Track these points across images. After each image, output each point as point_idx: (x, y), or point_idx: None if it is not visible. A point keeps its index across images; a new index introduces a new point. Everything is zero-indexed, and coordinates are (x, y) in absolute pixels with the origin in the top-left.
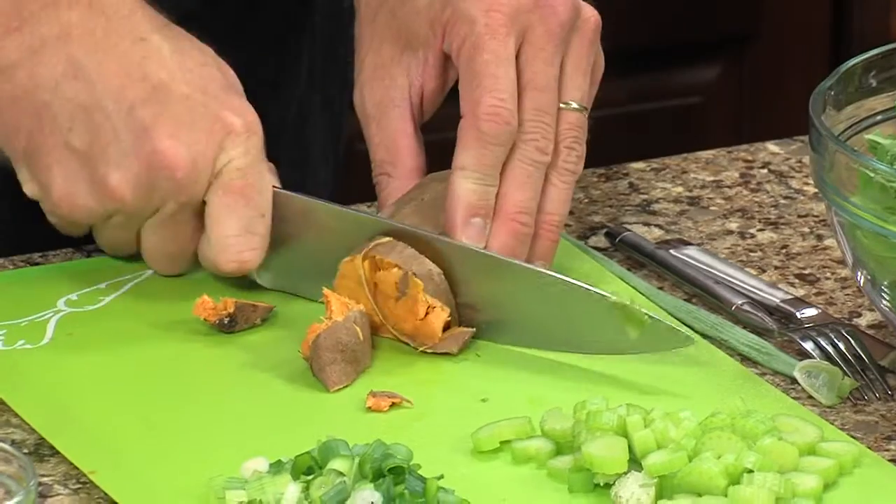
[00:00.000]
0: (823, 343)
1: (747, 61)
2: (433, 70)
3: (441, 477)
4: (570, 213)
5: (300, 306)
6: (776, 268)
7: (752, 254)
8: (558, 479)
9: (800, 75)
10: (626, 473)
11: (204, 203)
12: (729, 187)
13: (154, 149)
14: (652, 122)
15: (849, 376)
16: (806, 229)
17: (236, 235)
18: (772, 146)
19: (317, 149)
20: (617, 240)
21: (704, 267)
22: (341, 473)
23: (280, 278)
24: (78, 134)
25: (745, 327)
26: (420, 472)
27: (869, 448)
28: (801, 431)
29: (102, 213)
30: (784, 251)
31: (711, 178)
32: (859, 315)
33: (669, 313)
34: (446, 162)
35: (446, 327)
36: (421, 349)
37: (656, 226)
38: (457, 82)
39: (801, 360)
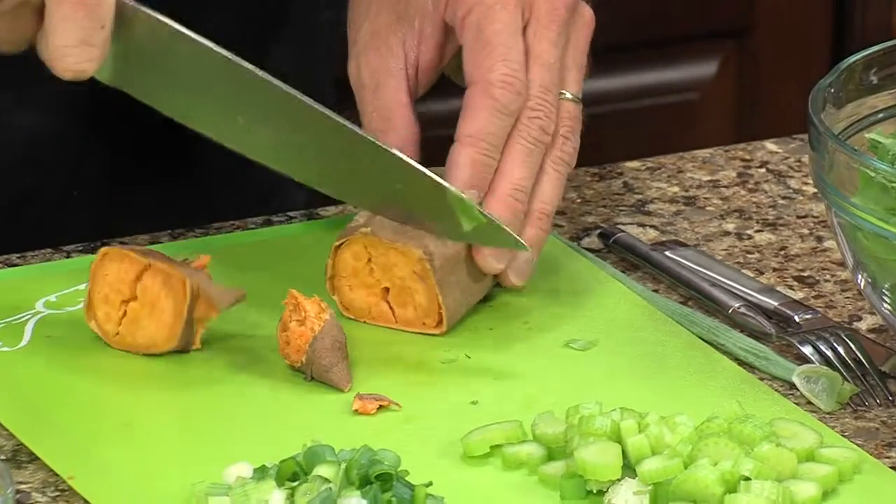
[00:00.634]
0: (823, 347)
1: (745, 57)
2: (430, 41)
3: (430, 484)
4: (563, 213)
5: (253, 308)
6: (774, 270)
7: (749, 255)
8: (550, 486)
9: (799, 72)
10: (619, 480)
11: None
12: (726, 187)
13: None
14: (646, 120)
15: (849, 381)
16: (805, 230)
17: (73, 46)
18: (770, 145)
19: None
20: (611, 241)
21: (701, 269)
22: (327, 480)
23: (122, 79)
24: None
25: (742, 331)
26: (408, 478)
27: (869, 455)
28: (800, 437)
29: None
30: (782, 253)
31: (708, 178)
32: (860, 319)
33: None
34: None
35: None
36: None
37: (651, 227)
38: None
39: (800, 364)
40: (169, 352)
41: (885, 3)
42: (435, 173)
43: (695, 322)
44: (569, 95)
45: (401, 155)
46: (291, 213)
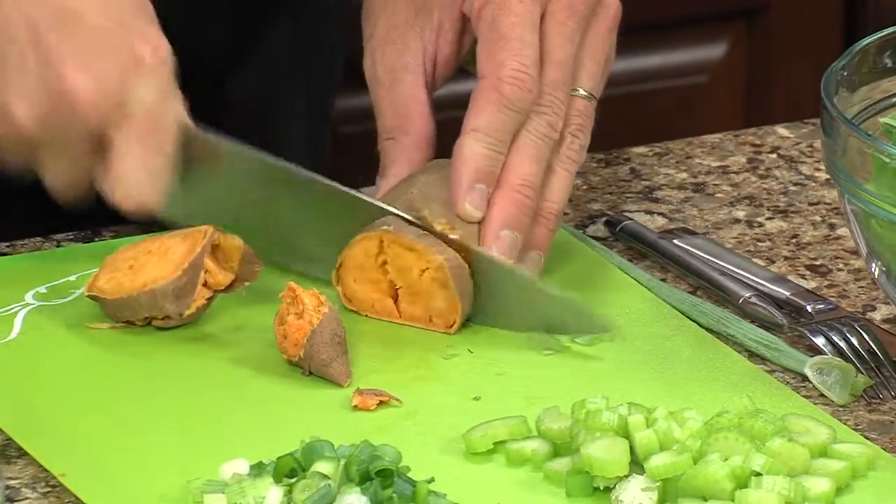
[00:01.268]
0: (836, 338)
1: (755, 38)
2: (448, 35)
3: (432, 480)
4: (569, 200)
5: (251, 299)
6: (786, 258)
7: (760, 244)
8: (555, 483)
9: (811, 54)
10: (627, 477)
11: (107, 136)
12: (736, 173)
13: (59, 76)
14: (654, 104)
15: (862, 373)
16: (817, 218)
17: (138, 177)
18: (781, 130)
19: (299, 140)
20: (617, 229)
21: (710, 258)
22: (326, 476)
23: (184, 212)
24: None
25: (752, 322)
26: (409, 474)
27: (884, 449)
28: (813, 432)
29: (11, 140)
30: (794, 241)
31: (717, 164)
32: (874, 309)
33: (672, 306)
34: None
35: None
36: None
37: (659, 214)
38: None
39: (813, 356)
40: (162, 317)
41: None
42: (425, 170)
43: (704, 312)
44: (581, 92)
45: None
46: None
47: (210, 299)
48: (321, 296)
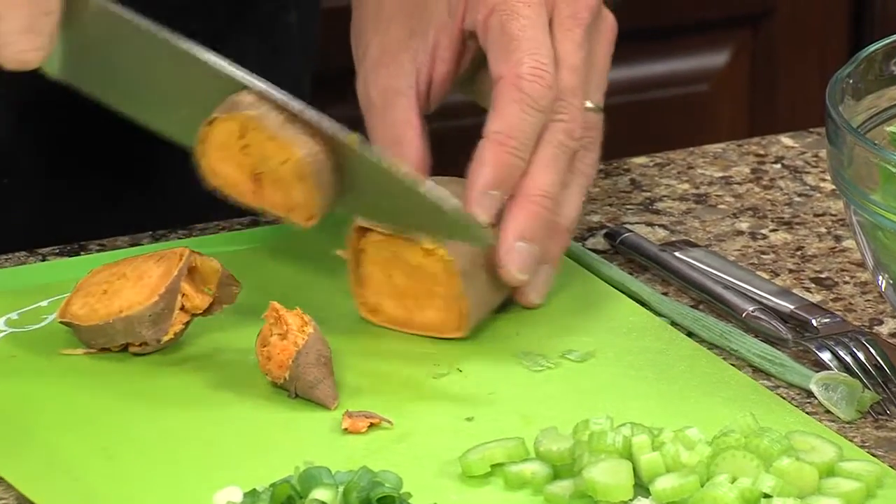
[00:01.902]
0: (842, 353)
1: (759, 45)
2: (445, 53)
3: None
4: None
5: (230, 321)
6: (790, 271)
7: (764, 256)
8: None
9: (816, 62)
10: (631, 500)
11: None
12: (739, 184)
13: None
14: (655, 113)
15: (869, 389)
16: (823, 229)
17: (18, 33)
18: (786, 139)
19: None
20: (617, 241)
21: (712, 271)
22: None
23: (71, 73)
24: None
25: (756, 336)
26: (411, 501)
27: (891, 467)
28: (819, 450)
29: None
30: (799, 253)
31: (720, 174)
32: (881, 323)
33: (674, 321)
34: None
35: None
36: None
37: (660, 226)
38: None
39: (818, 371)
40: (139, 343)
41: None
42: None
43: (706, 327)
44: (590, 104)
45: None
46: None
47: (187, 323)
48: (305, 315)
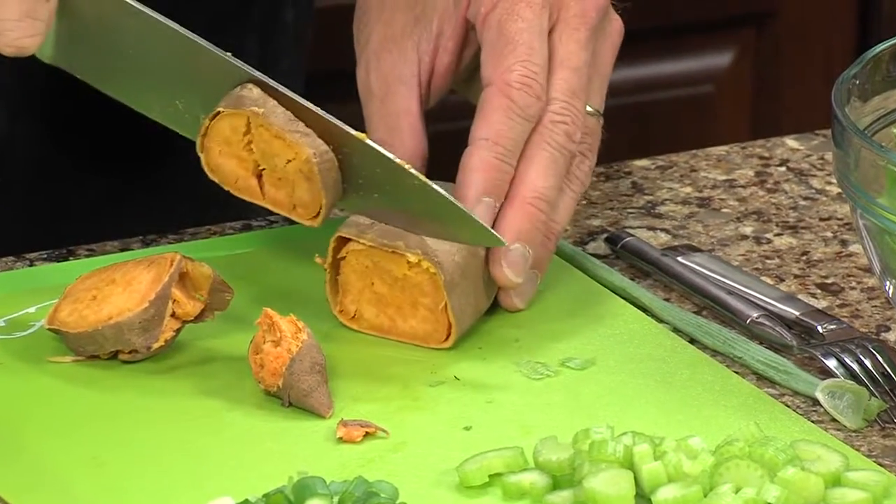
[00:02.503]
0: (848, 360)
1: (764, 46)
2: (448, 43)
3: None
4: None
5: (222, 328)
6: (795, 277)
7: (768, 261)
8: None
9: (822, 62)
10: None
11: None
12: (743, 187)
13: None
14: (657, 115)
15: (876, 397)
16: (828, 234)
17: (15, 20)
18: (790, 141)
19: None
20: (618, 246)
21: (715, 276)
22: None
23: (65, 57)
24: None
25: (760, 343)
26: None
27: None
28: (824, 459)
29: None
30: (804, 258)
31: (723, 177)
32: (888, 329)
33: (676, 327)
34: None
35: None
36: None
37: (662, 230)
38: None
39: (824, 378)
40: (129, 351)
41: None
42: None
43: (709, 333)
44: (590, 108)
45: (373, 145)
46: (272, 217)
47: (178, 330)
48: (299, 322)
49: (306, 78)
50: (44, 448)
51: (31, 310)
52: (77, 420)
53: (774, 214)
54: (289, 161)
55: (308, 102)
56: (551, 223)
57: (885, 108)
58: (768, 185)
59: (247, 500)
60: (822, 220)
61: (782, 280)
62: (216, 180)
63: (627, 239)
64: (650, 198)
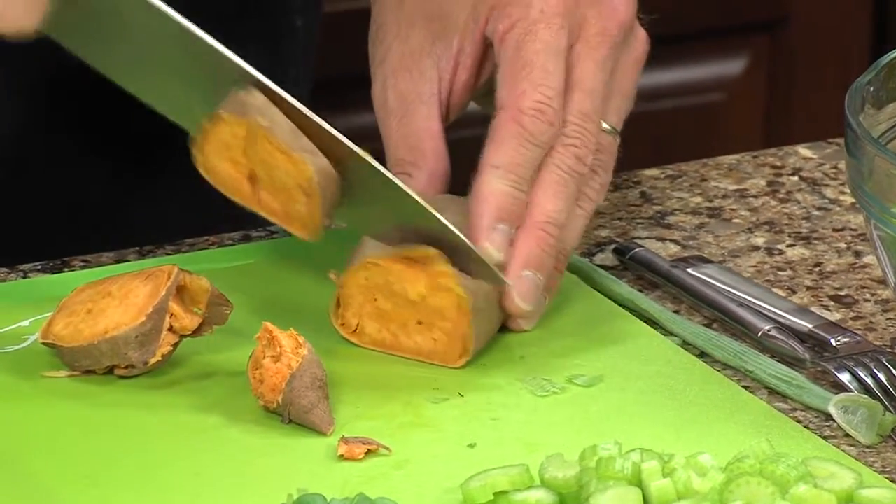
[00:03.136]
0: (862, 374)
1: (777, 53)
2: (468, 60)
3: None
4: None
5: (221, 343)
6: (808, 288)
7: (780, 273)
8: None
9: (836, 69)
10: None
11: None
12: (754, 197)
13: None
14: (667, 123)
15: (891, 411)
16: (842, 245)
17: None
18: (803, 150)
19: None
20: (627, 257)
21: (726, 288)
22: None
23: (57, 28)
24: None
25: (772, 356)
26: None
27: None
28: (837, 477)
29: None
30: (817, 270)
31: (734, 187)
32: None
33: (686, 340)
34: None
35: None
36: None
37: (672, 241)
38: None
39: (837, 393)
40: (125, 366)
41: None
42: (449, 202)
43: (720, 347)
44: (605, 126)
45: (377, 165)
46: (273, 228)
47: (176, 345)
48: (300, 337)
49: (313, 84)
50: (38, 465)
51: (25, 323)
52: (72, 437)
53: (787, 225)
54: (289, 174)
55: (312, 113)
56: (561, 245)
57: None
58: (780, 195)
59: None
60: (835, 230)
61: (794, 292)
62: (211, 181)
63: (636, 250)
64: (659, 208)
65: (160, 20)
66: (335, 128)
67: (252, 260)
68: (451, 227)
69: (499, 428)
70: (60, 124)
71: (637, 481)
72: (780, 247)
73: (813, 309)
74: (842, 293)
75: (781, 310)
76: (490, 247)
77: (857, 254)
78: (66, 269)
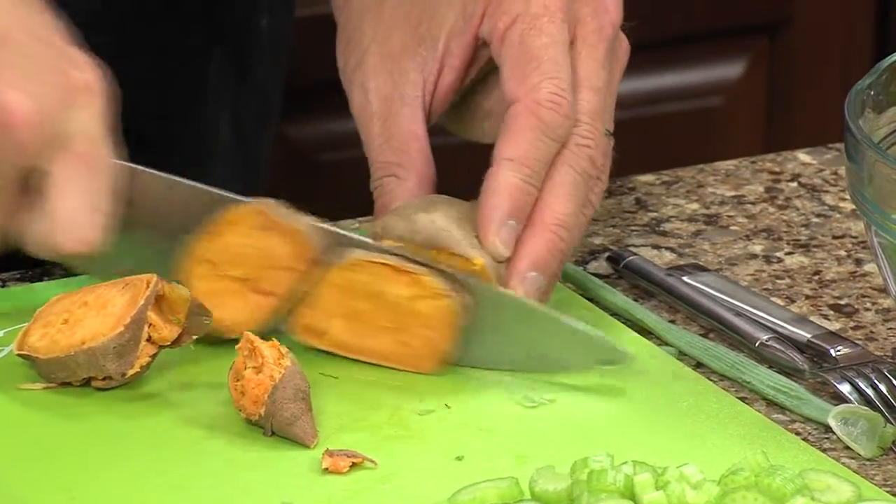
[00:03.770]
0: (862, 385)
1: (777, 56)
2: (455, 62)
3: None
4: None
5: (200, 354)
6: (807, 297)
7: (779, 281)
8: None
9: (838, 73)
10: None
11: (40, 169)
12: (752, 204)
13: None
14: (663, 128)
15: (892, 423)
16: (842, 252)
17: (82, 211)
18: (802, 156)
19: (226, 176)
20: (621, 265)
21: (723, 297)
22: None
23: (111, 264)
24: None
25: (770, 367)
26: None
27: None
28: (835, 489)
29: None
30: (816, 278)
31: (732, 193)
32: None
33: (682, 350)
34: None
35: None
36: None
37: (667, 249)
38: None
39: (837, 404)
40: (102, 377)
41: None
42: (422, 207)
43: (717, 357)
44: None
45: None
46: None
47: (155, 356)
48: (282, 347)
49: (286, 90)
50: (14, 479)
51: (0, 334)
52: (48, 450)
53: (785, 232)
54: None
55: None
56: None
57: None
58: (779, 202)
59: None
60: (835, 237)
61: (793, 301)
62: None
63: (631, 258)
64: (655, 214)
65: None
66: (303, 135)
67: None
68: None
69: (487, 440)
70: None
71: (630, 494)
72: (778, 255)
73: (812, 318)
74: (842, 302)
75: (780, 319)
76: (499, 243)
77: (858, 262)
78: (46, 278)
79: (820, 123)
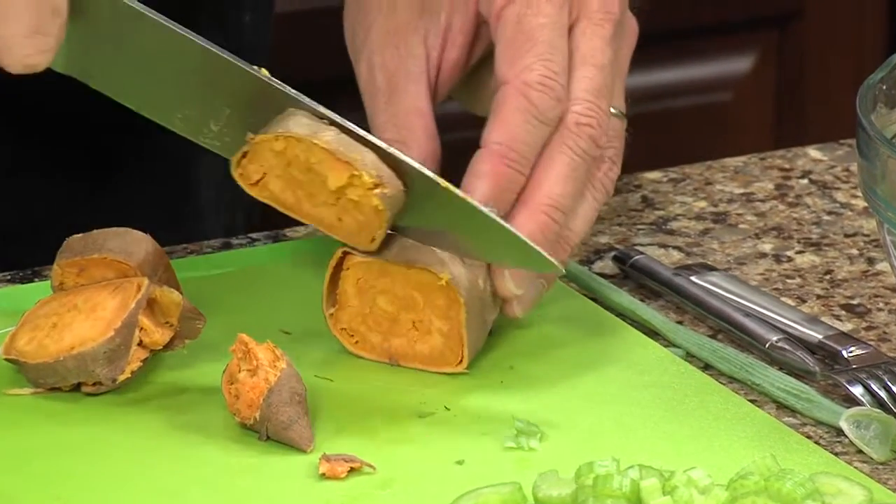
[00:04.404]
0: (875, 387)
1: (787, 49)
2: (458, 38)
3: None
4: None
5: (193, 357)
6: (818, 297)
7: (789, 281)
8: None
9: (850, 67)
10: None
11: None
12: (762, 201)
13: None
14: (671, 124)
15: None
16: (854, 251)
17: (24, 35)
18: (813, 152)
19: (209, 191)
20: (627, 265)
21: (732, 297)
22: None
23: (78, 67)
24: None
25: (781, 369)
26: None
27: None
28: (847, 493)
29: None
30: (828, 277)
31: (741, 191)
32: None
33: (689, 352)
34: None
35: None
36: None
37: (674, 248)
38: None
39: (849, 407)
40: (92, 383)
41: None
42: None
43: (725, 359)
44: (613, 110)
45: (408, 159)
46: (254, 235)
47: (146, 360)
48: (277, 349)
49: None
50: (3, 486)
51: None
52: (37, 456)
53: (796, 230)
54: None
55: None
56: (566, 232)
57: None
58: (789, 199)
59: None
60: (846, 236)
61: (804, 301)
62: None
63: (637, 257)
64: (662, 213)
65: (176, 42)
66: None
67: (231, 269)
68: (504, 223)
69: (489, 443)
70: (25, 134)
71: (636, 499)
72: (788, 253)
73: (823, 319)
74: (854, 302)
75: (790, 320)
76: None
77: (870, 260)
78: (36, 279)
79: (831, 119)
